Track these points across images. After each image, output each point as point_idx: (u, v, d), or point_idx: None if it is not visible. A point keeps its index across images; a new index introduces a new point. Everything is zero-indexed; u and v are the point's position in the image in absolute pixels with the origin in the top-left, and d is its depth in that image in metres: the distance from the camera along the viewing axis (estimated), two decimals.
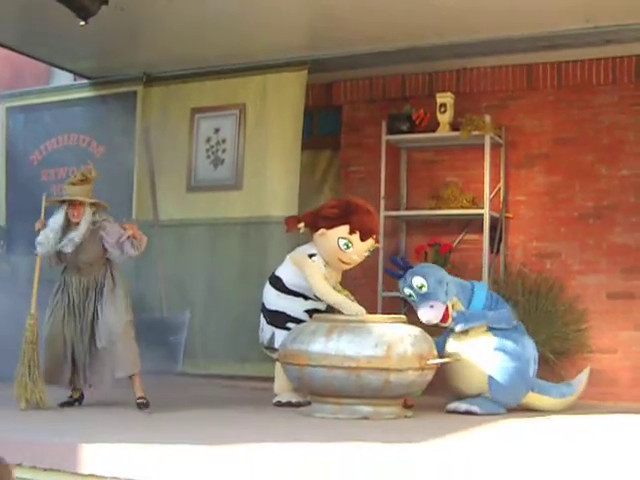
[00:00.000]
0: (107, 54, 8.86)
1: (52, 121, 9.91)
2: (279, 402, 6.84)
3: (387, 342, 6.19)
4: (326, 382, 6.21)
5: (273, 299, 6.95)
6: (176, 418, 6.03)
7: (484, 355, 6.67)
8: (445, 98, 8.37)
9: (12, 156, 10.07)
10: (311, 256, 6.91)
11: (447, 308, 6.74)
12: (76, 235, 6.46)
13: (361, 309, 6.63)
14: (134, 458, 4.59)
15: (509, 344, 6.69)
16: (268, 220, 8.55)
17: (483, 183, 8.13)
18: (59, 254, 6.56)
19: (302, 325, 6.59)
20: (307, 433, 5.43)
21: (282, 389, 6.92)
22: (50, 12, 7.17)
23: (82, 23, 6.75)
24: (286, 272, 6.99)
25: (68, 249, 6.47)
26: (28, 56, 9.15)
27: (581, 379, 7.14)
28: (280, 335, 6.78)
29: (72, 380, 6.56)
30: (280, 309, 6.91)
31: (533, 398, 6.81)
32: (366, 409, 6.27)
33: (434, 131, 8.41)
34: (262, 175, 8.69)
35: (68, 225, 6.53)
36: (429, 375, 6.43)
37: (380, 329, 6.31)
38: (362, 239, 6.84)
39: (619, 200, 8.00)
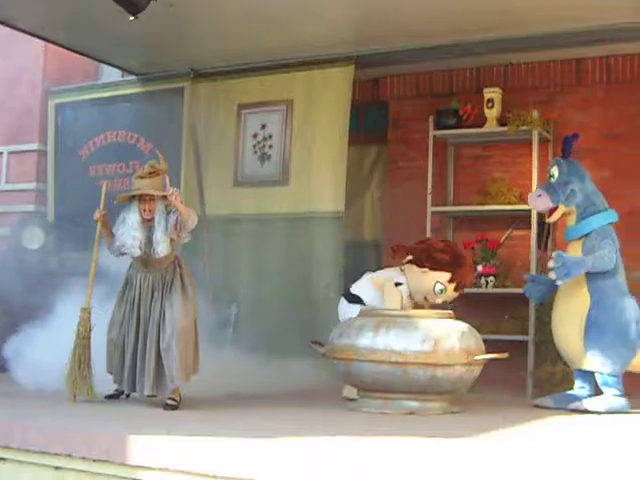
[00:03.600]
0: (155, 50, 8.90)
1: (100, 117, 9.96)
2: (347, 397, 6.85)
3: (434, 337, 6.19)
4: (373, 377, 6.21)
5: (352, 313, 6.90)
6: (223, 411, 6.05)
7: (580, 322, 6.71)
8: (493, 93, 8.32)
9: (61, 152, 10.13)
10: (397, 284, 6.97)
11: (556, 208, 6.89)
12: (161, 237, 6.18)
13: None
14: (182, 449, 4.62)
15: (605, 309, 6.70)
16: (315, 215, 8.54)
17: (531, 179, 8.06)
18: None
19: (349, 320, 6.59)
20: (354, 427, 5.44)
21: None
22: (99, 8, 7.22)
23: (131, 18, 6.76)
24: (367, 294, 7.03)
25: (163, 252, 6.21)
26: (76, 52, 9.20)
27: None
28: None
29: (133, 385, 6.34)
30: None
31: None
32: (413, 404, 6.27)
33: (481, 126, 8.37)
34: (309, 171, 8.68)
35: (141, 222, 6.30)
36: (476, 371, 6.40)
37: (427, 324, 6.30)
38: (456, 289, 7.02)
39: None
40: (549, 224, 8.11)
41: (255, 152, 9.12)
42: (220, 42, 8.55)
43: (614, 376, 6.67)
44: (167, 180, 6.30)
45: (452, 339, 6.23)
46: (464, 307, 7.61)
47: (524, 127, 8.05)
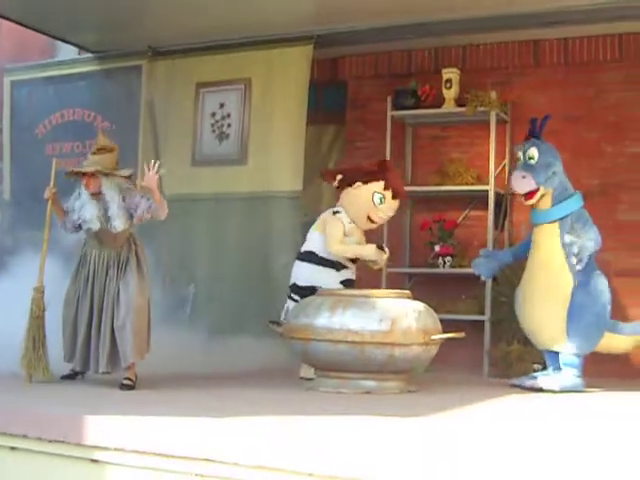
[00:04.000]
0: (112, 27, 8.81)
1: (57, 95, 9.87)
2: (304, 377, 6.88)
3: (391, 317, 6.20)
4: (330, 356, 6.22)
5: (307, 274, 7.00)
6: (180, 391, 6.04)
7: (561, 300, 6.69)
8: (451, 74, 8.34)
9: (17, 130, 10.04)
10: (335, 213, 7.06)
11: (537, 190, 6.83)
12: (117, 212, 6.17)
13: (372, 246, 7.00)
14: (138, 429, 4.60)
15: (589, 291, 6.70)
16: (273, 195, 8.54)
17: (488, 160, 8.11)
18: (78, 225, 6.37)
19: (307, 300, 6.60)
20: (310, 407, 5.44)
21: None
22: None
23: None
24: (315, 243, 7.07)
25: (120, 226, 6.20)
26: (32, 29, 9.09)
27: None
28: None
29: (86, 362, 6.30)
30: (315, 283, 6.92)
31: (609, 338, 6.79)
32: (370, 384, 6.28)
33: (440, 107, 8.39)
34: (267, 150, 8.67)
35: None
36: (433, 350, 6.43)
37: (385, 304, 6.31)
38: (393, 197, 7.09)
39: (625, 178, 7.98)
40: (506, 205, 8.17)
41: (213, 131, 9.08)
42: (178, 20, 8.48)
43: (579, 357, 6.72)
44: (154, 165, 6.30)
45: (409, 319, 6.24)
46: (421, 287, 7.65)
47: (482, 108, 8.08)
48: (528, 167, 6.90)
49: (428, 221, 8.36)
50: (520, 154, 7.00)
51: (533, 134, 7.05)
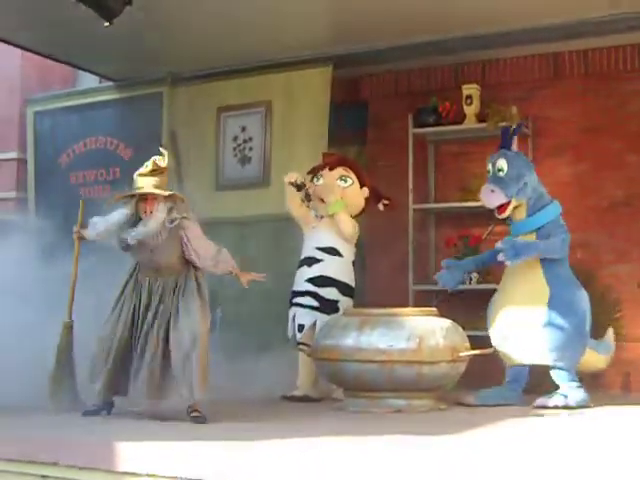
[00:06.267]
0: (132, 55, 8.86)
1: (79, 124, 9.94)
2: (293, 396, 6.85)
3: (419, 335, 6.19)
4: (359, 376, 6.21)
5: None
6: (211, 415, 6.00)
7: (538, 311, 6.54)
8: (471, 90, 8.34)
9: (40, 160, 10.09)
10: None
11: (509, 203, 6.67)
12: (143, 231, 5.70)
13: None
14: (170, 455, 4.61)
15: (565, 302, 6.56)
16: None
17: None
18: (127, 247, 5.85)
19: (333, 319, 6.60)
20: (340, 427, 5.43)
21: (304, 383, 6.96)
22: (73, 14, 7.16)
23: (106, 24, 6.73)
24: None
25: (129, 240, 5.72)
26: (53, 59, 9.20)
27: (610, 336, 7.00)
28: None
29: (119, 389, 5.87)
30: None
31: (588, 355, 6.66)
32: (399, 402, 6.27)
33: (461, 123, 8.39)
34: (289, 172, 8.67)
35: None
36: (461, 367, 6.41)
37: (412, 322, 6.31)
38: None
39: None
40: None
41: (235, 155, 9.12)
42: (197, 46, 8.54)
43: (569, 370, 6.56)
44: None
45: (436, 336, 6.23)
46: (448, 304, 7.62)
47: (503, 123, 8.05)
48: (497, 180, 6.70)
49: (453, 238, 8.35)
50: (489, 166, 6.82)
51: (503, 145, 6.89)
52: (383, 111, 9.06)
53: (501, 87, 8.51)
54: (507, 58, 8.54)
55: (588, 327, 6.68)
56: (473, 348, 6.45)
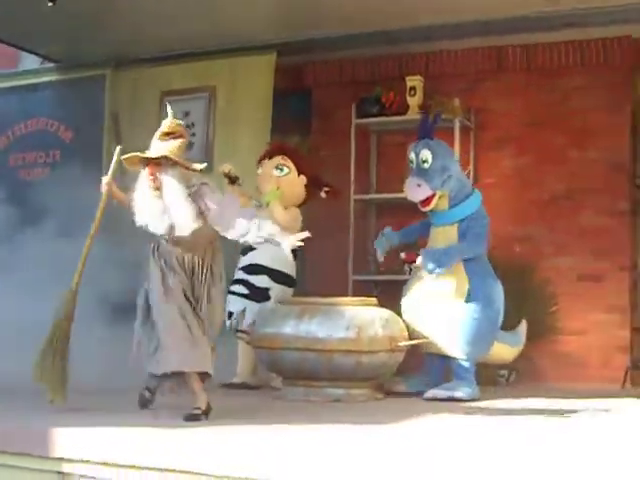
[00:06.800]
0: (75, 37, 8.76)
1: (20, 106, 9.83)
2: (232, 384, 6.85)
3: (358, 324, 6.22)
4: (298, 365, 6.22)
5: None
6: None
7: (456, 304, 6.49)
8: (414, 81, 8.35)
9: None
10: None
11: (434, 195, 6.61)
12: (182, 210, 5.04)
13: None
14: (102, 441, 4.58)
15: (483, 291, 6.52)
16: None
17: None
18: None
19: (273, 308, 6.59)
20: (278, 416, 5.43)
21: (243, 371, 6.96)
22: None
23: (50, 4, 6.67)
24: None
25: (184, 230, 5.11)
26: None
27: (523, 328, 6.98)
28: None
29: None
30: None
31: (497, 348, 6.65)
32: (338, 391, 6.29)
33: (404, 114, 8.39)
34: (231, 159, 8.59)
35: None
36: (400, 357, 6.45)
37: (351, 312, 6.33)
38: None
39: (589, 182, 8.00)
40: None
41: None
42: (142, 29, 8.48)
43: (471, 362, 6.55)
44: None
45: (375, 326, 6.26)
46: (387, 294, 7.65)
47: (445, 115, 8.09)
48: (422, 172, 6.62)
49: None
50: (413, 156, 6.74)
51: (425, 134, 6.80)
52: (327, 99, 9.03)
53: (444, 79, 8.52)
54: (451, 50, 8.56)
55: (501, 320, 6.67)
56: (412, 338, 6.48)
